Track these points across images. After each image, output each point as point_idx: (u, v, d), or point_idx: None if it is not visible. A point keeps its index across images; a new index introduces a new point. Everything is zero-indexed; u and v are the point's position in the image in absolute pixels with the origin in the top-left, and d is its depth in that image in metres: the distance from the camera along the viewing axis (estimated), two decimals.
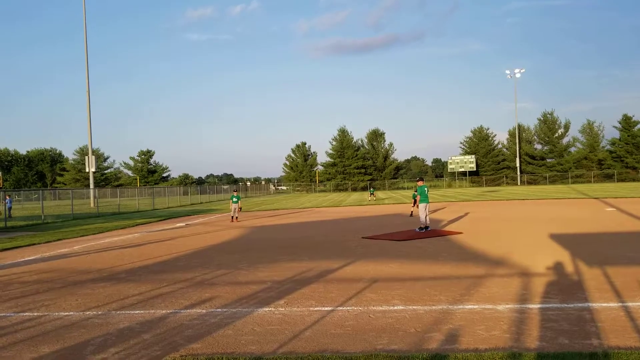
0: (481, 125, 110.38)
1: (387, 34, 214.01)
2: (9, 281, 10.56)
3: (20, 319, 7.32)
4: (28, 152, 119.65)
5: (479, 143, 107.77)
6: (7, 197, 25.53)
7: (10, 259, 14.04)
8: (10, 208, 25.05)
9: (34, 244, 17.53)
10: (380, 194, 67.46)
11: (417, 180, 17.75)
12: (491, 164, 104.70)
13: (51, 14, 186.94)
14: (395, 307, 7.20)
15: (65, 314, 7.56)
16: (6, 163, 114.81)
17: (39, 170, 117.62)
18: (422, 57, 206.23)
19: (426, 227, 17.07)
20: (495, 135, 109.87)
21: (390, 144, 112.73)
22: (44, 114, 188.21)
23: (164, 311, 7.46)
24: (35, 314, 7.64)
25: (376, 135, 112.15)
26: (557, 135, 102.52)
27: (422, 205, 17.39)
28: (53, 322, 7.06)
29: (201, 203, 54.48)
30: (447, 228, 18.36)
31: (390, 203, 41.19)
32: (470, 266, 10.42)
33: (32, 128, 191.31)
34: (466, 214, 25.68)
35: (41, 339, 6.29)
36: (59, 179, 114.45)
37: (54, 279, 10.58)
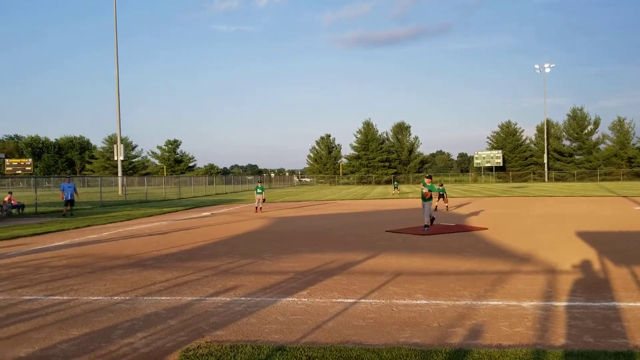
0: (509, 120, 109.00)
1: (412, 26, 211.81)
2: (39, 265, 10.86)
3: (51, 302, 7.53)
4: (57, 139, 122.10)
5: (506, 138, 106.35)
6: (64, 183, 26.03)
7: (41, 243, 14.41)
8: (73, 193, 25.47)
9: (63, 230, 17.96)
10: (404, 187, 67.14)
11: (426, 178, 17.06)
12: (518, 159, 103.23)
13: (82, 5, 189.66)
14: (418, 301, 7.20)
15: (94, 298, 7.75)
16: (37, 150, 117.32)
17: (68, 158, 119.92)
18: (448, 50, 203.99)
19: (429, 224, 16.53)
20: (523, 130, 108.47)
21: (416, 138, 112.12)
22: (74, 102, 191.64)
23: (189, 298, 7.59)
24: (65, 297, 7.85)
25: (401, 129, 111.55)
26: (586, 131, 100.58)
27: (428, 203, 16.52)
28: (82, 306, 7.25)
29: (226, 193, 54.98)
30: (472, 223, 18.22)
31: (414, 197, 40.97)
32: (495, 262, 10.35)
33: (62, 116, 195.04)
34: (492, 209, 25.43)
35: (70, 322, 6.47)
36: (87, 166, 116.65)
37: (83, 264, 10.84)
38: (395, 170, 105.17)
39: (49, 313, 6.91)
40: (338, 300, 7.32)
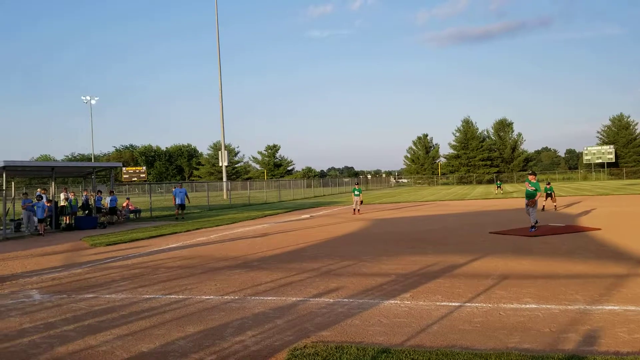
0: (621, 113, 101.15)
1: (510, 20, 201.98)
2: (156, 266, 11.67)
3: (168, 301, 8.08)
4: (168, 148, 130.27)
5: (618, 132, 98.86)
6: (176, 188, 27.88)
7: (157, 246, 15.47)
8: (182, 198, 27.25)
9: (176, 233, 19.15)
10: (507, 187, 64.49)
11: (529, 175, 16.14)
12: (632, 154, 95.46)
13: (184, 20, 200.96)
14: (527, 306, 6.92)
15: (206, 297, 8.22)
16: (150, 158, 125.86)
17: (178, 165, 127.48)
18: (550, 43, 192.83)
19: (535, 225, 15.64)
20: (637, 123, 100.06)
21: (519, 135, 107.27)
22: (182, 113, 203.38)
23: (294, 299, 7.83)
24: (180, 296, 8.38)
25: (503, 126, 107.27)
26: None
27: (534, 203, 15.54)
28: (196, 305, 7.71)
29: (323, 196, 55.79)
30: (584, 223, 17.14)
31: (519, 197, 39.15)
32: (610, 264, 9.68)
33: (171, 126, 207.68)
34: (604, 208, 23.73)
35: (186, 319, 6.91)
36: (195, 172, 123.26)
37: (194, 265, 11.51)
38: (497, 169, 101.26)
39: (167, 311, 7.41)
40: (442, 303, 7.21)
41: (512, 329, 5.95)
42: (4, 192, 22.45)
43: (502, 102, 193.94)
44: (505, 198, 38.34)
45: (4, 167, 19.82)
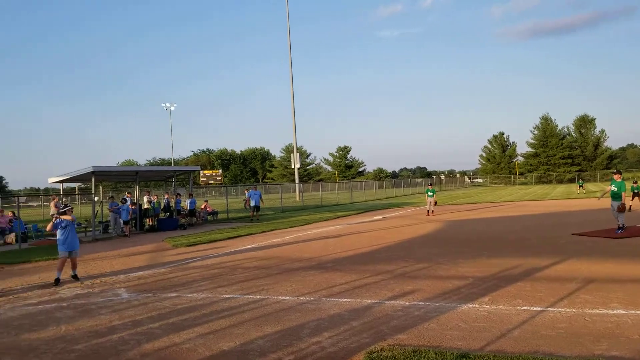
0: None
1: (590, 11, 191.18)
2: (234, 266, 12.03)
3: (246, 301, 8.31)
4: (242, 151, 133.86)
5: None
6: (248, 191, 28.77)
7: (234, 247, 15.93)
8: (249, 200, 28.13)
9: (251, 234, 19.63)
10: (590, 186, 61.26)
11: (614, 173, 15.16)
12: None
13: (256, 22, 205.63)
14: (615, 311, 6.56)
15: (282, 298, 8.38)
16: (225, 161, 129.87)
17: (252, 167, 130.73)
18: (634, 32, 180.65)
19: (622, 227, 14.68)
20: None
21: (602, 131, 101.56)
22: (255, 117, 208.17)
23: (369, 301, 7.82)
24: (258, 296, 8.60)
25: (585, 122, 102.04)
26: None
27: (617, 203, 14.58)
28: (273, 305, 7.88)
29: (395, 197, 55.29)
30: None
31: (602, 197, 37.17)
32: None
33: (245, 130, 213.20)
34: None
35: (264, 319, 7.07)
36: (268, 174, 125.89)
37: (270, 266, 11.76)
38: (579, 167, 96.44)
39: (245, 310, 7.62)
40: (523, 308, 6.97)
41: (598, 335, 5.66)
42: (93, 195, 23.93)
43: (583, 97, 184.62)
44: (588, 198, 36.42)
45: (93, 172, 21.10)
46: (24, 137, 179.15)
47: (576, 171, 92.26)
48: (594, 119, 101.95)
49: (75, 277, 11.11)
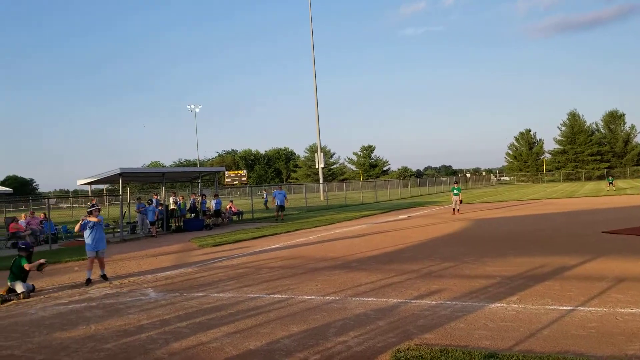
0: None
1: (620, 4, 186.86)
2: (259, 266, 12.09)
3: (271, 300, 8.34)
4: (267, 151, 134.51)
5: None
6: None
7: (259, 246, 16.01)
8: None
9: (276, 234, 19.71)
10: (620, 183, 59.96)
11: None
12: None
13: (279, 22, 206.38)
14: None
15: (308, 297, 8.39)
16: (250, 162, 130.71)
17: (276, 168, 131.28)
18: None
19: None
20: None
21: (632, 127, 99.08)
22: (279, 118, 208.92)
23: (395, 300, 7.78)
24: (283, 296, 8.63)
25: (614, 117, 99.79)
26: None
27: None
28: (298, 305, 7.90)
29: (420, 195, 54.89)
30: None
31: (633, 193, 36.33)
32: None
33: (269, 130, 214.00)
34: None
35: (290, 319, 7.09)
36: (292, 174, 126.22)
37: (295, 266, 11.79)
38: (608, 164, 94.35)
39: (271, 310, 7.66)
40: (552, 307, 6.85)
41: (631, 335, 5.54)
42: (121, 197, 24.31)
43: (612, 93, 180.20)
44: (619, 195, 35.66)
45: (120, 174, 21.44)
46: (53, 141, 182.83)
47: (605, 168, 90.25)
48: (624, 115, 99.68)
49: (104, 277, 11.32)
